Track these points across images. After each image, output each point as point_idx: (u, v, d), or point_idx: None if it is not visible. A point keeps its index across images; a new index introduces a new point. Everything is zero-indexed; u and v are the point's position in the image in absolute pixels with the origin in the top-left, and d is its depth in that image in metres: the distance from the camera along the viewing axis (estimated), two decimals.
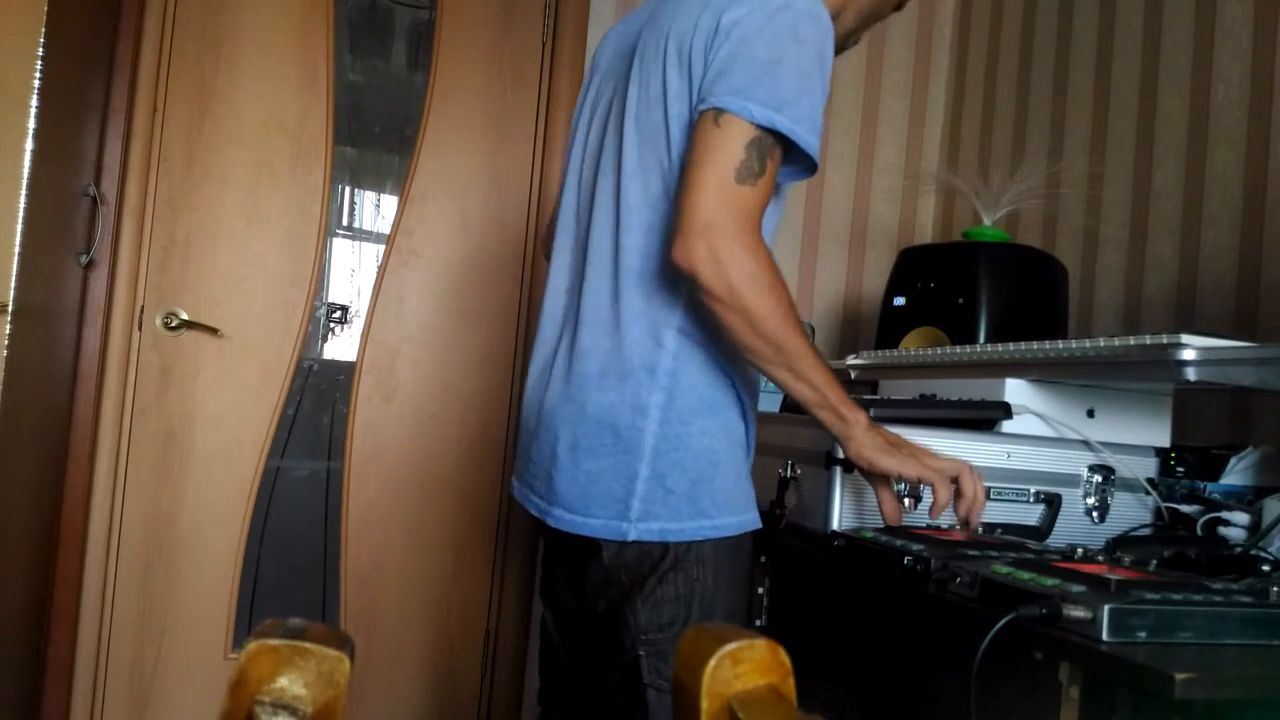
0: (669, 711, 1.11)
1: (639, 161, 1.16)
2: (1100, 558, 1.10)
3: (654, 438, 1.13)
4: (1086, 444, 1.41)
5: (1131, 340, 1.23)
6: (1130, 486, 1.42)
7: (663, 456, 1.13)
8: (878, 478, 1.20)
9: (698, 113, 1.09)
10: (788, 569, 1.47)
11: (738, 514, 1.17)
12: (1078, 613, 0.85)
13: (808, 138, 1.08)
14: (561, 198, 1.34)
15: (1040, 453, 1.38)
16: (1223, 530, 1.31)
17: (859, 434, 1.14)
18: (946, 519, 1.22)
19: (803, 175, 1.16)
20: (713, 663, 0.49)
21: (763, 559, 1.50)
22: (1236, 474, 1.41)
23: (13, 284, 1.53)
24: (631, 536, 1.13)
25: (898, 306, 1.94)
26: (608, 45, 1.34)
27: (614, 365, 1.15)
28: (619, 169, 1.18)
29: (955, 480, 1.16)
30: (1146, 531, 1.40)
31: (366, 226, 2.41)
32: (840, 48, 1.32)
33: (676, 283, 1.13)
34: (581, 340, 1.19)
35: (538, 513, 1.24)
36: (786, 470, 1.45)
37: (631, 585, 1.14)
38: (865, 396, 1.48)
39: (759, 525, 1.20)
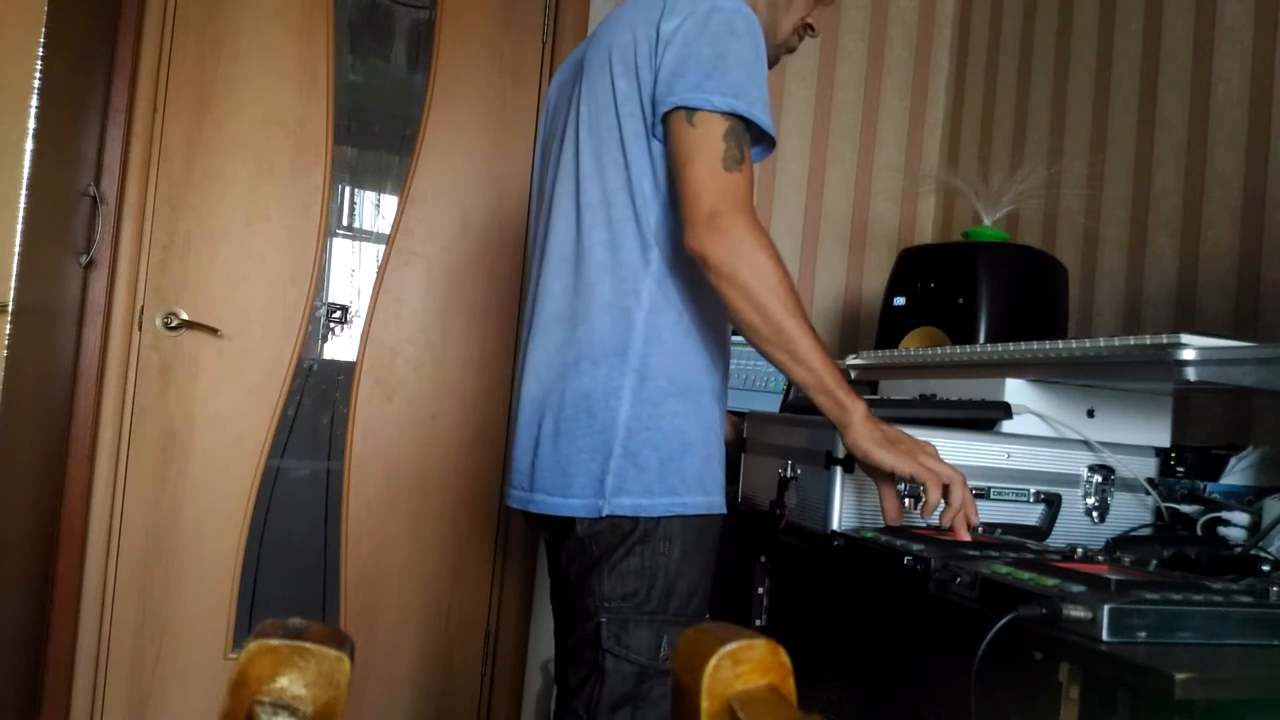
0: (624, 678, 1.16)
1: (595, 163, 1.25)
2: (1100, 558, 1.10)
3: (627, 418, 1.20)
4: (1086, 444, 1.41)
5: (1131, 340, 1.23)
6: (1130, 486, 1.42)
7: (635, 435, 1.20)
8: (881, 476, 1.21)
9: (662, 114, 1.18)
10: (788, 569, 1.47)
11: (706, 494, 1.24)
12: (1078, 613, 0.85)
13: (764, 117, 1.19)
14: (531, 223, 1.44)
15: (1040, 453, 1.38)
16: (1223, 530, 1.31)
17: (856, 422, 1.17)
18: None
19: (766, 152, 1.26)
20: (713, 663, 0.49)
21: (763, 559, 1.50)
22: (1236, 474, 1.41)
23: (13, 284, 1.53)
24: (605, 512, 1.19)
25: (898, 306, 1.93)
26: (554, 85, 1.46)
27: (587, 352, 1.22)
28: (577, 174, 1.27)
29: (947, 486, 1.17)
30: (1146, 531, 1.40)
31: (366, 226, 2.41)
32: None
33: (640, 270, 1.22)
34: (555, 335, 1.27)
35: (519, 504, 1.29)
36: (786, 470, 1.44)
37: (600, 556, 1.20)
38: (865, 396, 1.48)
39: (724, 511, 1.28)
